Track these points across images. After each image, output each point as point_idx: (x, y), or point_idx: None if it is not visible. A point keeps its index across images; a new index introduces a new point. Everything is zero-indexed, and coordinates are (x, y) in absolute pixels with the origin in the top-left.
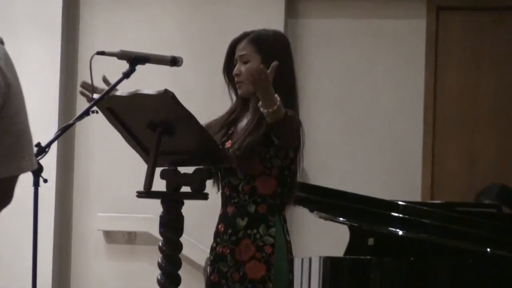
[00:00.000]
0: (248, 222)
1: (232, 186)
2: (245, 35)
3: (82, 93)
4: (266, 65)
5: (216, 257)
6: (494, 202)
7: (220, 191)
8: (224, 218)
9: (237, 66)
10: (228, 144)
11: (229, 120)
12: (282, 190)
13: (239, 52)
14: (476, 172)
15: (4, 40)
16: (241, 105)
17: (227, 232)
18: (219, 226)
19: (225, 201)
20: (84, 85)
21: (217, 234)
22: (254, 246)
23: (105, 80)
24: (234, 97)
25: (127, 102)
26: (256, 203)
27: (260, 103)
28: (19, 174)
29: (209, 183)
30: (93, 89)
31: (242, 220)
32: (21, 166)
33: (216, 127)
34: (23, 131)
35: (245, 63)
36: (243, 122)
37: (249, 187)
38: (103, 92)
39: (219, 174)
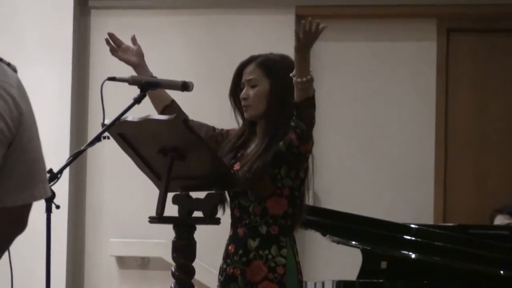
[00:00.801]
0: (260, 243)
1: (243, 207)
2: (252, 59)
3: (107, 41)
4: (274, 89)
5: (226, 278)
6: (508, 216)
7: (229, 212)
8: (234, 239)
9: (244, 90)
10: (236, 166)
11: (238, 144)
12: (293, 211)
13: (247, 76)
14: (489, 193)
15: (16, 68)
16: (249, 129)
17: (237, 253)
18: (229, 247)
19: (235, 222)
20: (112, 35)
21: (227, 255)
22: (266, 267)
23: (133, 39)
24: (240, 121)
25: (138, 128)
26: (267, 224)
27: (293, 73)
28: (33, 202)
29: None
30: (119, 43)
31: (253, 241)
32: (35, 194)
33: (224, 150)
34: (36, 159)
35: (253, 87)
36: (252, 146)
37: (260, 208)
38: (115, 118)
39: (228, 196)
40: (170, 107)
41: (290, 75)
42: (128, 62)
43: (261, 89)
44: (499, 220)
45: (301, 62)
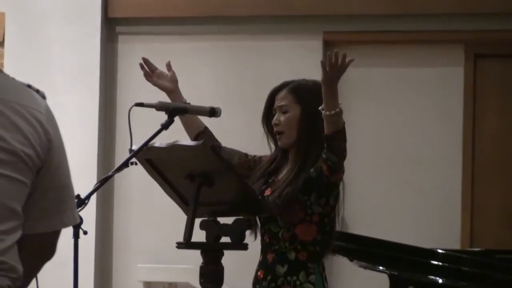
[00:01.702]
0: (288, 269)
1: (272, 233)
2: (284, 85)
3: (141, 66)
4: (305, 116)
5: None
6: None
7: (259, 238)
8: (263, 265)
9: (276, 115)
10: (267, 192)
11: (270, 169)
12: (322, 238)
13: (279, 102)
14: None
15: (45, 94)
16: (281, 155)
17: (266, 278)
18: (258, 273)
19: (265, 248)
20: (146, 61)
21: (256, 281)
22: None
23: (168, 66)
24: (272, 147)
25: (165, 153)
26: (296, 250)
27: (322, 106)
28: (61, 229)
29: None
30: (153, 69)
31: (282, 267)
32: (63, 220)
33: (256, 176)
34: (65, 186)
35: (284, 113)
36: (283, 172)
37: (289, 234)
38: (142, 144)
39: (258, 221)
40: (203, 134)
41: (319, 108)
42: (162, 88)
43: (292, 115)
44: None
45: (329, 95)
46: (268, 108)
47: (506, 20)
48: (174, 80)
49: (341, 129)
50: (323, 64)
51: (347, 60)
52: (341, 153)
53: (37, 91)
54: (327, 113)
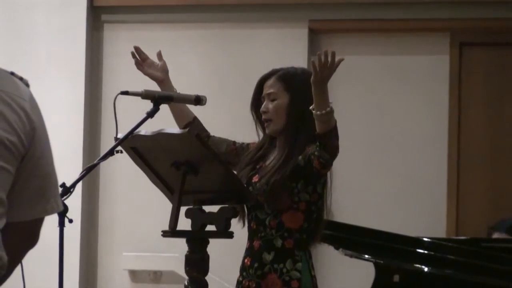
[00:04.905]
0: (275, 257)
1: (259, 220)
2: (273, 72)
3: (133, 55)
4: (294, 103)
5: None
6: (506, 235)
7: (246, 225)
8: (250, 252)
9: (264, 103)
10: (255, 178)
11: (257, 156)
12: (309, 225)
13: (267, 89)
14: (502, 208)
15: (29, 81)
16: (269, 142)
17: (253, 266)
18: (245, 260)
19: (252, 235)
20: (138, 49)
21: (243, 268)
22: (281, 281)
23: (159, 55)
24: (260, 134)
25: (151, 142)
26: (283, 237)
27: (312, 106)
28: (45, 216)
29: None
30: (144, 58)
31: (268, 255)
32: (46, 208)
33: (243, 162)
34: (48, 174)
35: (273, 100)
36: (271, 159)
37: (276, 221)
38: (127, 132)
39: (245, 208)
40: (193, 124)
41: (310, 108)
42: (152, 77)
43: (280, 102)
44: (496, 237)
45: (319, 94)
46: (256, 95)
47: (491, 8)
48: (165, 70)
49: (333, 127)
50: (313, 64)
51: (336, 59)
52: (334, 151)
53: (21, 78)
54: (318, 112)
